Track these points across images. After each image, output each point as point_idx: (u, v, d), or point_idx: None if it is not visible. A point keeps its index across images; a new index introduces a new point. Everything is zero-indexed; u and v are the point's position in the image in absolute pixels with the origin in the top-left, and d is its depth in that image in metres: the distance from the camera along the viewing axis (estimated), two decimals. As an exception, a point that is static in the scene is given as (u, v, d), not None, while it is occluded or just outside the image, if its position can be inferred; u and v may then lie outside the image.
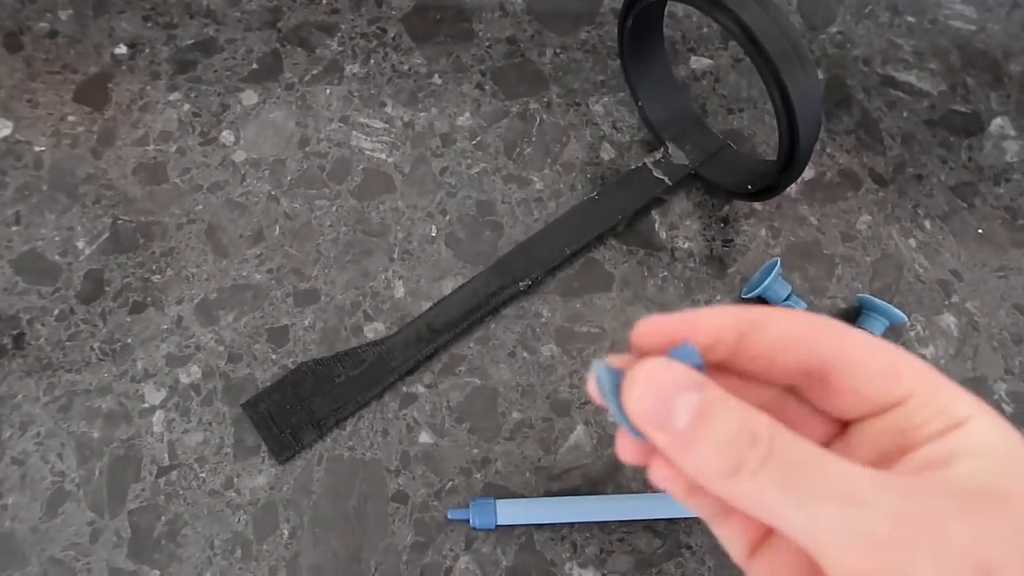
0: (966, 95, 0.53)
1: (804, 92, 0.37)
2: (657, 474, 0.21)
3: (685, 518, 0.40)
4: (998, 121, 0.52)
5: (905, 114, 0.52)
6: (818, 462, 0.18)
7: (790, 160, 0.40)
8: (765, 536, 0.22)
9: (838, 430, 0.23)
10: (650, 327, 0.21)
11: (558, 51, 0.52)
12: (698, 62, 0.52)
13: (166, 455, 0.40)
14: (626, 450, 0.21)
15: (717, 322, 0.21)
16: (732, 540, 0.22)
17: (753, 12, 0.37)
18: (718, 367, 0.22)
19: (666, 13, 0.53)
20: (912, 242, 0.48)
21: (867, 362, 0.21)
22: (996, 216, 0.49)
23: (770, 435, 0.19)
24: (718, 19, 0.38)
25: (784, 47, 0.37)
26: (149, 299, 0.43)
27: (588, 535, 0.40)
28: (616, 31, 0.50)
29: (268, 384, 0.41)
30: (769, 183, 0.43)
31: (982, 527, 0.18)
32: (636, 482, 0.41)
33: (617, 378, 0.20)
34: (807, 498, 0.18)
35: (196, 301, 0.43)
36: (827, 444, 0.22)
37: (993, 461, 0.19)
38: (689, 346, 0.20)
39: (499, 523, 0.39)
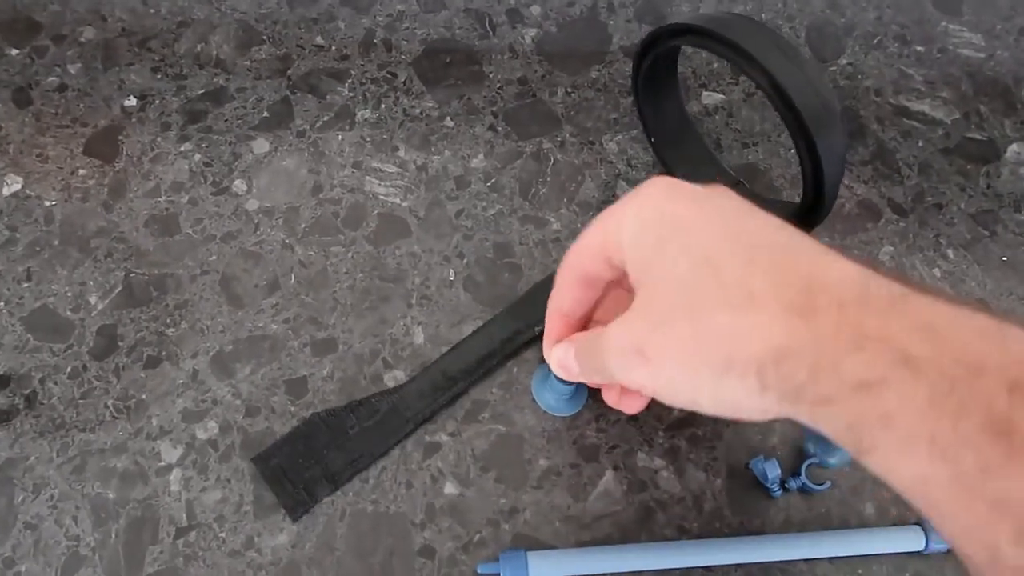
0: (980, 122, 0.52)
1: (833, 150, 0.37)
2: (610, 398, 0.35)
3: (723, 566, 0.39)
4: (1014, 147, 0.52)
5: (920, 143, 0.51)
6: (584, 343, 0.33)
7: (814, 209, 0.40)
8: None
9: None
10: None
11: (569, 90, 0.52)
12: (710, 97, 0.52)
13: (184, 515, 0.39)
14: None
15: (557, 329, 0.35)
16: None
17: (786, 71, 0.36)
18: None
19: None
20: (936, 272, 0.47)
21: (585, 261, 0.32)
22: (1019, 243, 0.48)
23: (578, 343, 0.33)
24: (750, 75, 0.37)
25: (817, 108, 0.36)
26: (164, 353, 0.42)
27: (623, 586, 0.39)
28: (629, 70, 0.50)
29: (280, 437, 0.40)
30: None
31: (632, 323, 0.28)
32: (669, 529, 0.40)
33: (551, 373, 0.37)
34: (588, 364, 0.32)
35: (212, 354, 0.42)
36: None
37: (633, 268, 0.28)
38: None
39: (531, 576, 0.37)
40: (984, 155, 0.51)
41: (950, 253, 0.48)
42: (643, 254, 0.28)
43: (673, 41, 0.40)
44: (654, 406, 0.42)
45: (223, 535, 0.39)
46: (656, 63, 0.44)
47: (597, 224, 0.31)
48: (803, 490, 0.41)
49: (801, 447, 0.42)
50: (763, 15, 0.55)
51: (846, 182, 0.49)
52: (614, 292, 0.34)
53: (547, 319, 0.35)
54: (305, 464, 0.40)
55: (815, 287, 0.23)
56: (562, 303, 0.34)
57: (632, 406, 0.34)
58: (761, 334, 0.24)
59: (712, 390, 0.26)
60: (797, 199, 0.41)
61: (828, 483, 0.40)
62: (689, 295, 0.26)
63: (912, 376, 0.21)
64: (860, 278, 0.23)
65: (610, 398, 0.35)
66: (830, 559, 0.39)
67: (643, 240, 0.28)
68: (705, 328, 0.25)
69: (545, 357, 0.36)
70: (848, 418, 0.22)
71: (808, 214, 0.40)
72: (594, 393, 0.43)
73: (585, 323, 0.36)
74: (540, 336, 0.43)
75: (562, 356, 0.34)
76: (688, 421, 0.42)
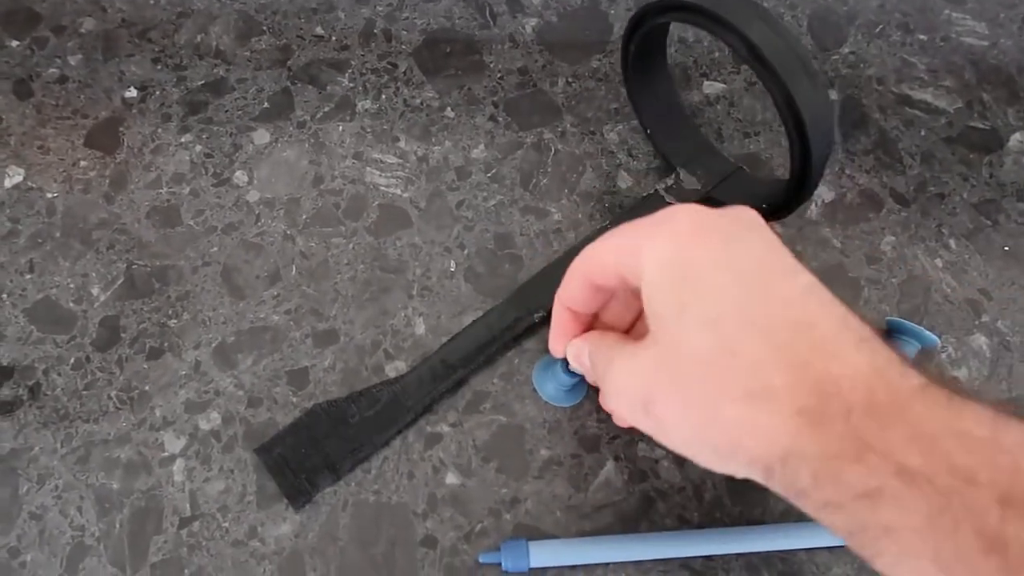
0: (983, 111, 0.52)
1: (813, 106, 0.37)
2: None
3: (723, 556, 0.39)
4: (1017, 136, 0.51)
5: (923, 132, 0.51)
6: (613, 347, 0.31)
7: (803, 177, 0.40)
8: None
9: None
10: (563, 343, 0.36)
11: (570, 80, 0.51)
12: (711, 87, 0.52)
13: (188, 505, 0.39)
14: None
15: (565, 326, 0.36)
16: None
17: (758, 29, 0.36)
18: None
19: (676, 39, 0.53)
20: (938, 262, 0.47)
21: (593, 269, 0.32)
22: (1021, 232, 0.48)
23: (592, 350, 0.33)
24: (723, 38, 0.37)
25: (791, 62, 0.36)
26: (166, 344, 0.42)
27: (623, 575, 0.39)
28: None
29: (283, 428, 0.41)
30: (782, 202, 0.42)
31: (641, 367, 0.28)
32: (670, 519, 0.40)
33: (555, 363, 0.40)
34: (607, 365, 0.31)
35: (214, 345, 0.43)
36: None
37: (649, 301, 0.28)
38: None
39: (532, 566, 0.38)
40: (987, 144, 0.51)
41: (952, 243, 0.48)
42: (660, 305, 0.27)
43: (658, 19, 0.40)
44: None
45: (226, 525, 0.39)
46: (643, 47, 0.44)
47: (613, 241, 0.30)
48: (803, 480, 0.41)
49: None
50: (765, 2, 0.55)
51: (847, 172, 0.49)
52: (623, 294, 0.35)
53: (554, 310, 0.36)
54: (307, 454, 0.40)
55: (828, 390, 0.24)
56: (569, 300, 0.34)
57: (622, 423, 0.36)
58: (772, 435, 0.24)
59: (715, 465, 0.27)
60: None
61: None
62: (705, 373, 0.26)
63: (907, 488, 0.22)
64: (869, 379, 0.24)
65: (606, 404, 0.35)
66: (830, 548, 0.39)
67: (660, 287, 0.27)
68: (717, 415, 0.25)
69: (551, 347, 0.37)
70: (852, 525, 0.23)
71: (797, 186, 0.40)
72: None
73: (593, 319, 0.36)
74: (540, 323, 0.43)
75: (578, 353, 0.35)
76: (689, 411, 0.42)
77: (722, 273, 0.26)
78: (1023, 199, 0.49)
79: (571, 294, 0.34)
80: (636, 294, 0.29)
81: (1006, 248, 0.48)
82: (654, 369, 0.27)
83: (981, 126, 0.52)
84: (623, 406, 0.29)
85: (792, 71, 0.36)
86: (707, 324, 0.26)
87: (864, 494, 0.22)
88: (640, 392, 0.28)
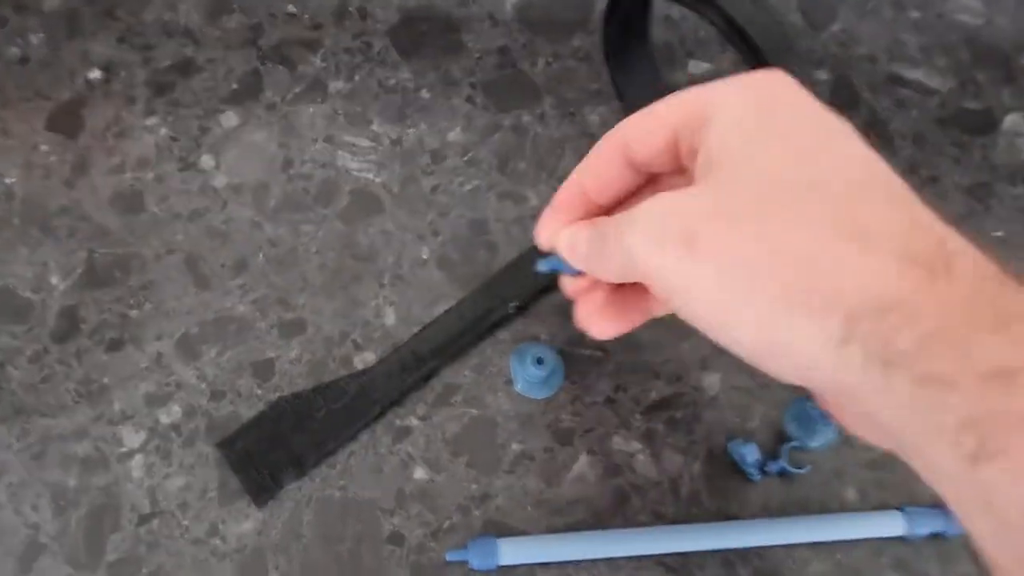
0: (977, 92, 0.50)
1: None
2: (585, 311, 0.29)
3: (699, 552, 0.38)
4: (1011, 117, 0.50)
5: (914, 113, 0.49)
6: (605, 226, 0.25)
7: None
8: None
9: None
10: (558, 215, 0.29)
11: (551, 60, 0.50)
12: (697, 66, 0.50)
13: (146, 502, 0.38)
14: (568, 285, 0.31)
15: (567, 204, 0.29)
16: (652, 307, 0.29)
17: (741, 5, 0.35)
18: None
19: (662, 17, 0.51)
20: (928, 249, 0.45)
21: (636, 130, 0.26)
22: (1014, 217, 0.47)
23: (600, 226, 0.26)
24: (704, 14, 0.36)
25: (776, 41, 0.35)
26: (127, 336, 0.41)
27: (595, 573, 0.38)
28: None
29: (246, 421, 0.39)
30: None
31: (690, 199, 0.22)
32: (645, 514, 0.39)
33: (552, 261, 0.30)
34: (608, 251, 0.25)
35: (176, 336, 0.41)
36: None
37: (718, 139, 0.22)
38: (553, 258, 0.29)
39: (501, 563, 0.37)
40: (980, 126, 0.49)
41: (942, 228, 0.46)
42: (738, 136, 0.22)
43: None
44: (631, 387, 0.41)
45: (186, 522, 0.38)
46: (623, 26, 0.42)
47: (674, 97, 0.25)
48: (783, 474, 0.39)
49: (781, 429, 0.40)
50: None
51: (836, 155, 0.48)
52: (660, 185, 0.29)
53: (561, 190, 0.29)
54: (271, 449, 0.39)
55: (951, 246, 0.20)
56: (587, 177, 0.28)
57: (605, 328, 0.29)
58: (868, 275, 0.19)
59: (767, 322, 0.20)
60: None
61: (809, 467, 0.39)
62: (785, 198, 0.21)
63: None
64: (993, 260, 0.20)
65: (585, 307, 0.29)
66: (809, 544, 0.38)
67: (744, 121, 0.22)
68: (795, 242, 0.20)
69: (537, 232, 0.30)
70: (968, 410, 0.18)
71: None
72: (570, 375, 0.41)
73: (599, 214, 0.29)
74: (515, 313, 0.42)
75: (573, 241, 0.27)
76: (667, 403, 0.41)
77: (827, 123, 0.22)
78: (1016, 183, 0.48)
79: (589, 166, 0.28)
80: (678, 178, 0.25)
81: (998, 234, 0.46)
82: (709, 191, 0.22)
83: (975, 107, 0.50)
84: (650, 249, 0.22)
85: (777, 52, 0.34)
86: (798, 153, 0.21)
87: (1000, 371, 0.18)
88: (684, 217, 0.22)
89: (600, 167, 0.27)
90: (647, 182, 0.28)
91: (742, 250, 0.21)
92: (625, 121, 0.26)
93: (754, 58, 0.35)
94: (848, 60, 0.51)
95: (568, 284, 0.31)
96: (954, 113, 0.50)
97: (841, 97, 0.50)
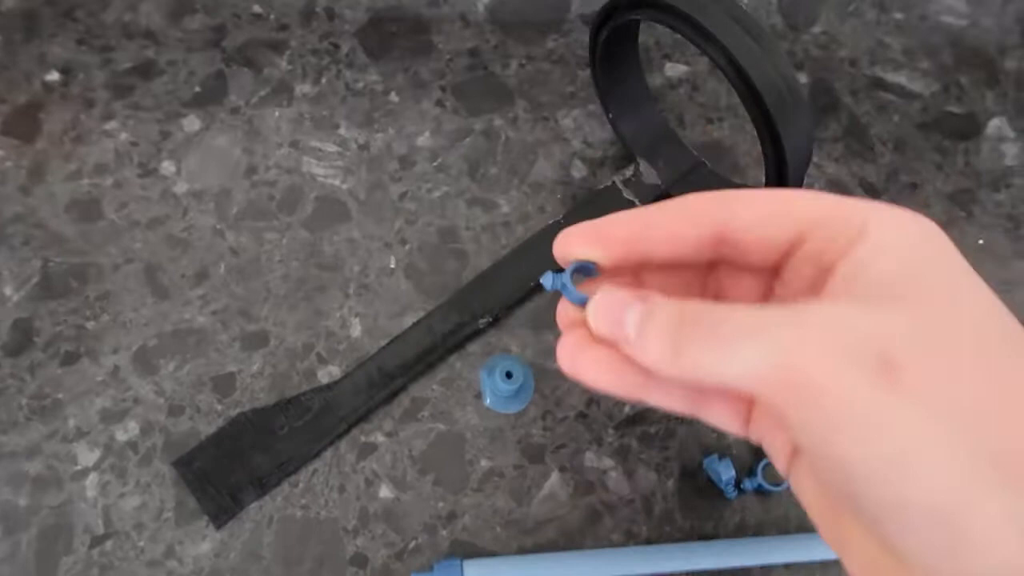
0: (960, 95, 0.49)
1: (797, 138, 0.34)
2: (575, 348, 0.23)
3: (673, 574, 0.37)
4: (995, 122, 0.49)
5: (896, 118, 0.48)
6: (731, 315, 0.19)
7: None
8: (747, 407, 0.25)
9: (771, 279, 0.24)
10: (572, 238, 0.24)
11: (523, 62, 0.48)
12: (674, 69, 0.49)
13: (100, 523, 0.37)
14: (566, 314, 0.25)
15: (620, 238, 0.23)
16: (723, 420, 0.25)
17: (746, 49, 0.33)
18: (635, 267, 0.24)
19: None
20: (908, 257, 0.44)
21: (756, 212, 0.22)
22: (996, 225, 0.46)
23: (692, 311, 0.20)
24: (707, 52, 0.34)
25: (780, 90, 0.33)
26: (83, 349, 0.40)
27: (566, 595, 0.37)
28: (588, 40, 0.47)
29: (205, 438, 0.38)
30: None
31: (883, 321, 0.19)
32: (617, 533, 0.38)
33: (563, 278, 0.24)
34: (730, 346, 0.19)
35: (134, 349, 0.40)
36: (768, 294, 0.24)
37: (894, 261, 0.20)
38: (582, 264, 0.24)
39: (467, 586, 0.35)
40: (963, 130, 0.48)
41: (923, 236, 0.45)
42: (920, 267, 0.20)
43: (629, 15, 0.37)
44: (604, 401, 0.40)
45: (141, 544, 0.36)
46: (614, 35, 0.40)
47: (808, 195, 0.22)
48: (759, 491, 0.38)
49: (757, 446, 0.39)
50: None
51: (815, 160, 0.47)
52: (688, 274, 0.26)
53: (620, 217, 0.24)
54: (230, 467, 0.37)
55: None
56: (659, 227, 0.23)
57: (598, 377, 0.23)
58: None
59: (953, 484, 0.17)
60: (763, 181, 0.38)
61: (786, 484, 0.38)
62: (995, 347, 0.19)
63: None
64: None
65: (576, 343, 0.23)
66: (786, 565, 0.37)
67: (921, 252, 0.20)
68: (1012, 396, 0.18)
69: (564, 244, 0.24)
70: None
71: None
72: (541, 388, 0.40)
73: (627, 277, 0.25)
74: (486, 328, 0.41)
75: (622, 304, 0.22)
76: (640, 418, 0.40)
77: (972, 274, 0.21)
78: (999, 189, 0.47)
79: (678, 220, 0.23)
80: (762, 272, 0.23)
81: (980, 241, 0.45)
82: (911, 331, 0.18)
83: (958, 111, 0.49)
84: (823, 356, 0.18)
85: (780, 101, 0.33)
86: (987, 305, 0.20)
87: None
88: (878, 339, 0.18)
89: (682, 224, 0.23)
90: (706, 267, 0.25)
91: (959, 393, 0.18)
92: (738, 194, 0.23)
93: (758, 110, 0.33)
94: (828, 63, 0.50)
95: (567, 312, 0.25)
96: (937, 118, 0.49)
97: (821, 101, 0.49)
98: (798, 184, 0.36)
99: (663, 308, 0.21)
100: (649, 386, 0.23)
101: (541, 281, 0.25)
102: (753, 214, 0.22)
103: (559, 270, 0.24)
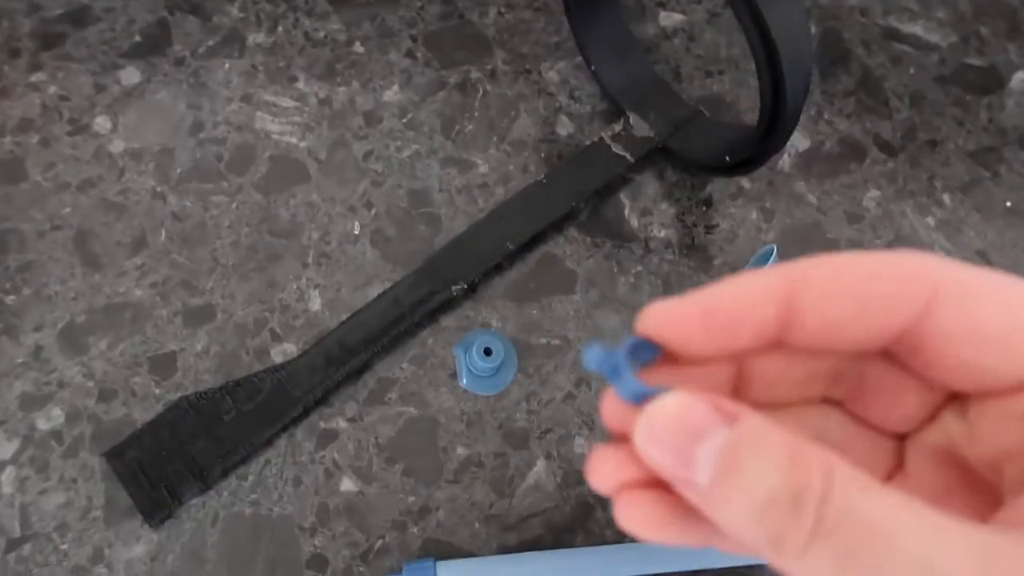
0: (980, 47, 0.45)
1: (788, 27, 0.30)
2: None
3: (669, 574, 0.32)
4: (1020, 75, 0.45)
5: (912, 71, 0.44)
6: (893, 527, 0.12)
7: (774, 120, 0.32)
8: None
9: (945, 400, 0.17)
10: (660, 316, 0.16)
11: (503, 10, 0.44)
12: (669, 18, 0.45)
13: (17, 524, 0.32)
14: (613, 418, 0.16)
15: (742, 303, 0.15)
16: None
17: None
18: (770, 345, 0.16)
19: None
20: (930, 220, 0.40)
21: (975, 325, 0.15)
22: (1024, 186, 0.42)
23: (822, 490, 0.13)
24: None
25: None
26: (1, 326, 0.35)
27: (553, 600, 0.32)
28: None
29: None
30: (749, 152, 0.35)
31: None
32: (610, 529, 0.33)
33: (616, 357, 0.15)
34: None
35: (60, 326, 0.35)
36: (932, 417, 0.17)
37: None
38: (643, 341, 0.16)
39: (440, 592, 0.31)
40: (985, 84, 0.44)
41: (946, 198, 0.41)
42: None
43: None
44: (594, 380, 0.36)
45: (65, 547, 0.32)
46: None
47: (892, 257, 0.15)
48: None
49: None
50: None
51: (826, 116, 0.42)
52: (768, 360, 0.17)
53: (680, 303, 0.16)
54: (169, 458, 0.33)
55: None
56: (720, 307, 0.16)
57: (657, 532, 0.15)
58: None
59: None
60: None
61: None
62: None
63: None
64: None
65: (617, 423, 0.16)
66: (801, 562, 0.33)
67: None
68: None
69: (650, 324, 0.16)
70: None
71: (768, 131, 0.33)
72: (524, 367, 0.36)
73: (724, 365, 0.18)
74: (460, 296, 0.36)
75: (705, 419, 0.14)
76: (635, 399, 0.36)
77: None
78: (1027, 147, 0.43)
79: (731, 295, 0.16)
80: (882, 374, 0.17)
81: (1008, 204, 0.41)
82: None
83: (978, 63, 0.45)
84: None
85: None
86: None
87: None
88: None
89: (741, 298, 0.16)
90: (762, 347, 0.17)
91: None
92: (811, 263, 0.16)
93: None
94: (838, 12, 0.46)
95: (618, 413, 0.16)
96: (956, 70, 0.44)
97: (830, 54, 0.44)
98: (797, 101, 0.31)
99: (764, 466, 0.13)
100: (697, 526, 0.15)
101: (583, 356, 0.16)
102: (972, 329, 0.15)
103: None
